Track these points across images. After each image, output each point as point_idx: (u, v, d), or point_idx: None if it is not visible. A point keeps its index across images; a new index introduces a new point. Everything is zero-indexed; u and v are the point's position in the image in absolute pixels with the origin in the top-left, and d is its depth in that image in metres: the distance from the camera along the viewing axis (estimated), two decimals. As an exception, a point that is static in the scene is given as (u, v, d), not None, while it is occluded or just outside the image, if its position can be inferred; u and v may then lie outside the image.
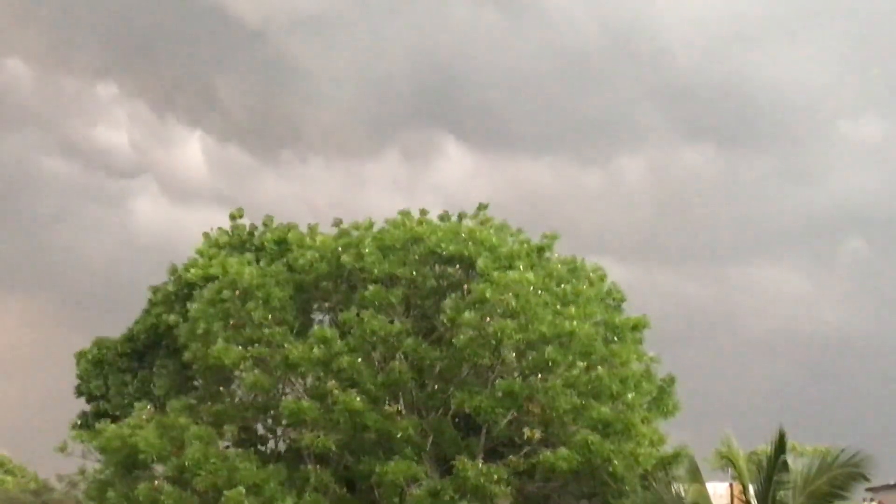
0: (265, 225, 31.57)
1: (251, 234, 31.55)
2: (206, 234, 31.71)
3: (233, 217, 31.95)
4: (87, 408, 33.04)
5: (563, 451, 23.51)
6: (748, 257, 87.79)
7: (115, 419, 30.79)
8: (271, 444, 27.57)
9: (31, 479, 49.75)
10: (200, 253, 30.77)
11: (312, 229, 29.64)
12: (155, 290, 31.46)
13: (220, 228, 31.71)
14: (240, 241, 31.34)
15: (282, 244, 29.99)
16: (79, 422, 31.90)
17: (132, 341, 32.50)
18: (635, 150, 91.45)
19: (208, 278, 28.34)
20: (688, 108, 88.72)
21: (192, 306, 27.57)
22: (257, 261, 29.14)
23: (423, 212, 28.52)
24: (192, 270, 29.65)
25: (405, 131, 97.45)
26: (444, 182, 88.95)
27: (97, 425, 28.10)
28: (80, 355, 32.70)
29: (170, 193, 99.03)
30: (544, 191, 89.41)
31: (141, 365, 32.35)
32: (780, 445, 21.97)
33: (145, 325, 31.83)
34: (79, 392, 33.01)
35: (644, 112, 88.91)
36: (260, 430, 27.43)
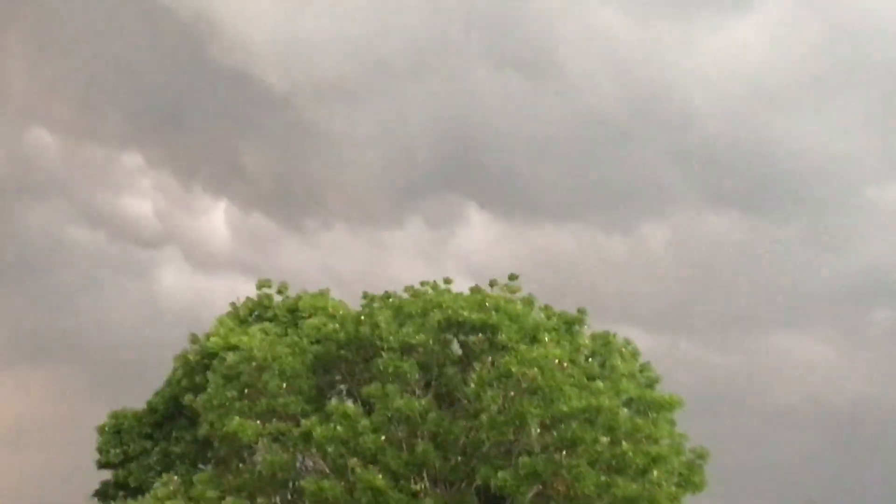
0: (279, 292, 31.78)
1: (269, 303, 31.72)
2: (232, 304, 31.93)
3: (260, 286, 32.18)
4: (109, 476, 33.09)
5: None
6: (774, 326, 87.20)
7: (135, 490, 30.78)
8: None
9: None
10: (221, 322, 30.92)
11: (322, 298, 29.66)
12: (178, 359, 31.61)
13: (247, 298, 31.93)
14: (264, 310, 31.53)
15: (294, 312, 30.12)
16: (96, 490, 31.81)
17: (153, 412, 32.65)
18: (659, 216, 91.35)
19: (229, 348, 28.44)
20: (712, 173, 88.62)
21: (210, 378, 27.66)
22: (285, 331, 29.30)
23: (448, 280, 28.56)
24: (212, 340, 29.76)
25: (428, 198, 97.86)
26: (467, 250, 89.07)
27: (119, 496, 28.12)
28: (102, 428, 32.89)
29: (194, 262, 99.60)
30: (568, 258, 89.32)
31: (161, 435, 32.43)
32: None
33: (164, 395, 32.01)
34: (99, 465, 33.09)
35: (668, 177, 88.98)
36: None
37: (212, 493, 25.13)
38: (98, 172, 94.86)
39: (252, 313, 31.48)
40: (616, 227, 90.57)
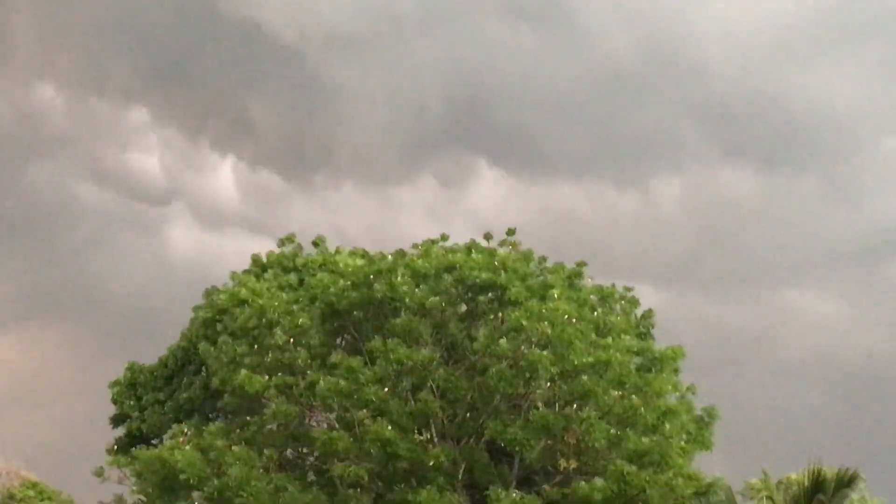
0: (315, 244, 31.92)
1: (295, 256, 31.90)
2: (253, 257, 32.19)
3: (282, 242, 32.39)
4: (123, 433, 33.49)
5: (598, 481, 23.31)
6: (785, 281, 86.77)
7: (149, 441, 31.08)
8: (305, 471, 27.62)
9: (64, 502, 50.05)
10: (234, 277, 31.12)
11: (339, 255, 29.77)
12: (195, 311, 31.90)
13: (269, 252, 32.18)
14: (285, 264, 31.72)
15: (323, 266, 30.30)
16: (115, 447, 32.21)
17: (165, 365, 33.00)
18: (672, 171, 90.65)
19: (241, 302, 28.57)
20: (726, 126, 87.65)
21: (221, 337, 27.83)
22: (300, 282, 29.41)
23: (444, 237, 28.72)
24: (223, 296, 29.93)
25: (438, 155, 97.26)
26: (478, 207, 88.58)
27: (133, 450, 28.41)
28: (114, 384, 33.25)
29: (201, 219, 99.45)
30: (579, 215, 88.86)
31: (175, 386, 32.79)
32: (815, 483, 21.82)
33: (179, 348, 32.37)
34: (114, 421, 33.48)
35: (681, 131, 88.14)
36: (290, 455, 27.54)
37: (221, 443, 25.21)
38: (104, 128, 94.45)
39: (270, 268, 31.69)
40: (628, 182, 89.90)
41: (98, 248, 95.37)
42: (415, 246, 28.40)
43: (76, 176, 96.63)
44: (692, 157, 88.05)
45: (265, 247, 33.03)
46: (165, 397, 32.37)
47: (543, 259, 29.00)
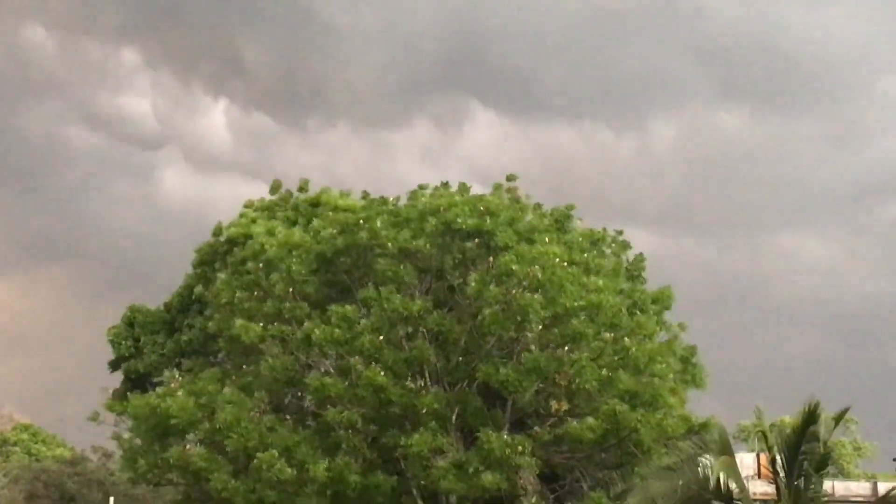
0: (301, 190, 32.08)
1: (287, 199, 31.94)
2: (251, 201, 32.46)
3: (274, 189, 32.60)
4: (120, 381, 33.70)
5: (589, 420, 23.49)
6: (780, 224, 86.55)
7: (147, 382, 31.16)
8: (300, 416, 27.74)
9: (59, 445, 50.43)
10: (242, 214, 31.43)
11: (344, 196, 29.76)
12: (200, 252, 31.99)
13: (260, 199, 32.43)
14: (284, 205, 31.99)
15: (316, 206, 30.37)
16: (114, 391, 32.36)
17: (168, 306, 33.42)
18: (669, 113, 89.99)
19: (247, 237, 28.46)
20: (724, 67, 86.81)
21: (219, 276, 27.82)
22: (293, 223, 29.50)
23: (445, 185, 28.55)
24: (231, 229, 30.18)
25: (433, 97, 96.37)
26: (472, 149, 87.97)
27: (128, 394, 28.52)
28: (111, 330, 33.44)
29: (194, 163, 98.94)
30: (574, 158, 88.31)
31: (175, 327, 32.99)
32: (810, 417, 21.82)
33: (182, 288, 32.69)
34: (112, 366, 33.65)
35: (679, 72, 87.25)
36: (287, 402, 27.61)
37: (214, 388, 25.32)
38: (96, 70, 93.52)
39: (271, 208, 31.78)
40: (625, 124, 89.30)
41: (91, 193, 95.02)
42: (410, 196, 28.21)
43: (67, 119, 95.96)
44: (690, 98, 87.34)
45: (258, 191, 33.24)
46: (164, 338, 32.56)
47: (539, 206, 28.84)
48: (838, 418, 22.47)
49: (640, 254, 29.51)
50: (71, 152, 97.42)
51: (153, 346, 32.67)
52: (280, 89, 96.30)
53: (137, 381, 32.56)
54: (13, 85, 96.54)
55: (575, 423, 23.75)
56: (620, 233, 29.05)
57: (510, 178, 28.93)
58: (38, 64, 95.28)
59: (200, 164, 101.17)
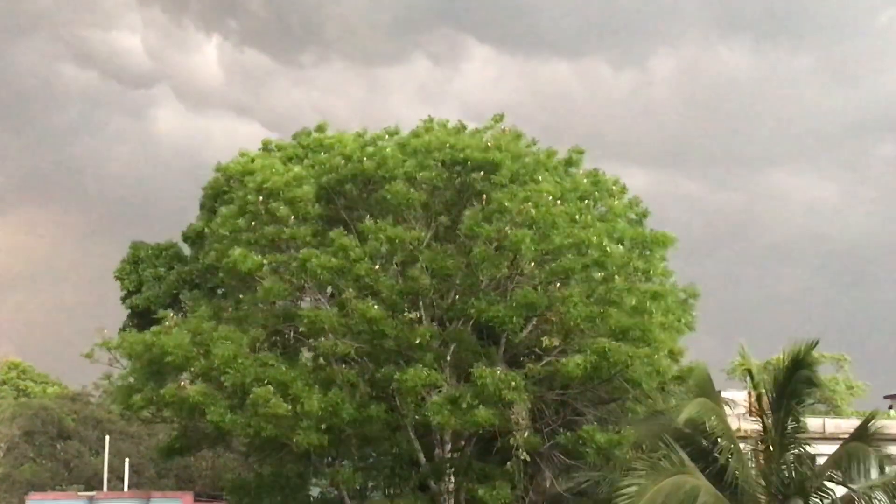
0: (318, 130, 31.92)
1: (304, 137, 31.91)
2: (265, 140, 32.32)
3: (296, 136, 32.19)
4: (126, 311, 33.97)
5: (576, 358, 23.65)
6: (775, 163, 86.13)
7: (150, 314, 31.30)
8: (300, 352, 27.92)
9: (52, 384, 50.72)
10: (243, 153, 31.19)
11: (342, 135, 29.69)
12: (206, 189, 32.01)
13: (265, 139, 32.39)
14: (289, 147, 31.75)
15: (321, 146, 30.36)
16: (104, 329, 32.56)
17: (172, 244, 33.79)
18: (669, 47, 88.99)
19: (248, 173, 28.50)
20: (725, 0, 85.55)
21: (221, 210, 27.84)
22: (302, 159, 29.50)
23: (442, 123, 28.44)
24: (232, 166, 30.19)
25: (428, 32, 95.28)
26: (469, 87, 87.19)
27: (122, 332, 28.68)
28: (120, 270, 33.68)
29: (186, 101, 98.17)
30: (572, 95, 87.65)
31: (180, 264, 33.22)
32: (798, 356, 21.94)
33: (189, 227, 32.71)
34: (124, 301, 33.92)
35: (679, 6, 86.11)
36: (284, 337, 27.74)
37: (208, 325, 25.36)
38: (86, 6, 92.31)
39: (276, 151, 31.74)
40: (625, 60, 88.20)
41: (85, 132, 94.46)
42: (412, 136, 28.11)
43: (58, 56, 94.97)
44: (690, 31, 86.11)
45: (252, 129, 33.14)
46: (165, 273, 32.73)
47: (534, 142, 28.85)
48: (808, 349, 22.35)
49: (636, 196, 29.45)
50: (63, 90, 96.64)
51: (154, 280, 32.89)
52: (273, 24, 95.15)
53: (142, 317, 32.69)
54: (2, 22, 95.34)
55: (564, 360, 23.90)
56: (617, 181, 28.90)
57: (497, 120, 28.57)
58: (27, 0, 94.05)
59: (193, 102, 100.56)
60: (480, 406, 23.47)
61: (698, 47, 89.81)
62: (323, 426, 24.22)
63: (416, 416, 24.68)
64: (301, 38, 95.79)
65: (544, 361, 24.80)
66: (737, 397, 26.72)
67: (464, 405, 23.54)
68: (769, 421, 22.26)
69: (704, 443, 22.60)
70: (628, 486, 20.00)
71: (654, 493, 19.78)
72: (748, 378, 24.03)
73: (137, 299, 33.25)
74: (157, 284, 33.04)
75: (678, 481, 20.36)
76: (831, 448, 22.97)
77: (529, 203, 24.20)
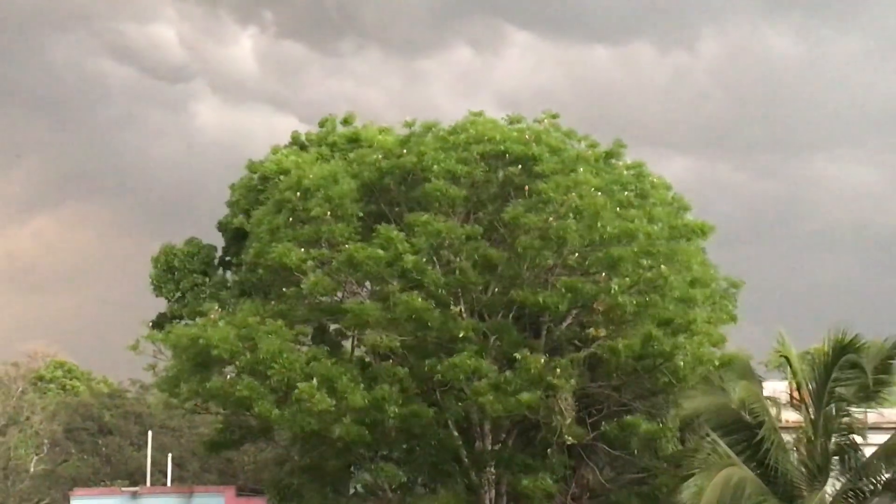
0: (345, 122, 31.93)
1: (329, 132, 31.90)
2: (294, 133, 32.44)
3: (321, 124, 32.36)
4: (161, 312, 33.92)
5: (621, 341, 23.67)
6: (819, 148, 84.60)
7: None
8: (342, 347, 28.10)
9: (96, 381, 51.18)
10: (276, 150, 31.28)
11: (385, 131, 29.76)
12: (234, 188, 32.08)
13: (307, 132, 32.41)
14: (324, 139, 31.76)
15: (354, 141, 30.28)
16: (150, 323, 32.66)
17: (196, 244, 33.26)
18: (713, 30, 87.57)
19: (282, 172, 28.59)
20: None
21: (259, 207, 27.96)
22: (331, 159, 29.46)
23: (477, 113, 28.41)
24: (267, 164, 30.18)
25: (468, 21, 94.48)
26: (507, 75, 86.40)
27: (168, 325, 28.83)
28: (156, 260, 33.50)
29: (223, 94, 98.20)
30: (612, 80, 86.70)
31: (218, 264, 33.22)
32: (841, 343, 21.90)
33: (225, 224, 32.64)
34: (157, 293, 33.85)
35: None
36: (328, 332, 27.93)
37: (253, 320, 25.56)
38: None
39: (308, 144, 31.76)
40: (669, 43, 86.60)
41: (127, 127, 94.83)
42: (453, 131, 28.15)
43: (94, 51, 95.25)
44: (738, 13, 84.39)
45: (288, 122, 33.15)
46: (202, 279, 32.63)
47: (574, 132, 28.77)
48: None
49: (679, 194, 29.32)
50: (103, 85, 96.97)
51: (194, 287, 32.68)
52: (310, 14, 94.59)
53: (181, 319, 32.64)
54: (38, 17, 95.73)
55: (609, 343, 23.96)
56: (659, 178, 28.76)
57: (553, 117, 28.58)
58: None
59: (229, 95, 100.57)
60: (524, 391, 23.51)
61: (744, 28, 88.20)
62: (367, 420, 24.30)
63: (459, 403, 24.67)
64: (338, 26, 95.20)
65: (585, 352, 24.84)
66: (776, 388, 26.71)
67: (507, 391, 23.60)
68: (810, 410, 22.25)
69: (747, 431, 22.68)
70: (688, 486, 20.15)
71: (711, 491, 19.94)
72: (787, 367, 24.05)
73: (181, 308, 32.90)
74: (199, 291, 32.76)
75: (728, 474, 20.55)
76: (876, 437, 22.96)
77: (573, 193, 24.23)
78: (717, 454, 21.66)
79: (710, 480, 20.41)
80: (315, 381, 23.93)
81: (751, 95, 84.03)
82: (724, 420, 23.06)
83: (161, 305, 33.74)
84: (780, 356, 24.48)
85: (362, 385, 24.29)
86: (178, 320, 30.74)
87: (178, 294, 32.66)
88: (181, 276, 32.84)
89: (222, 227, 32.63)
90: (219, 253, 33.25)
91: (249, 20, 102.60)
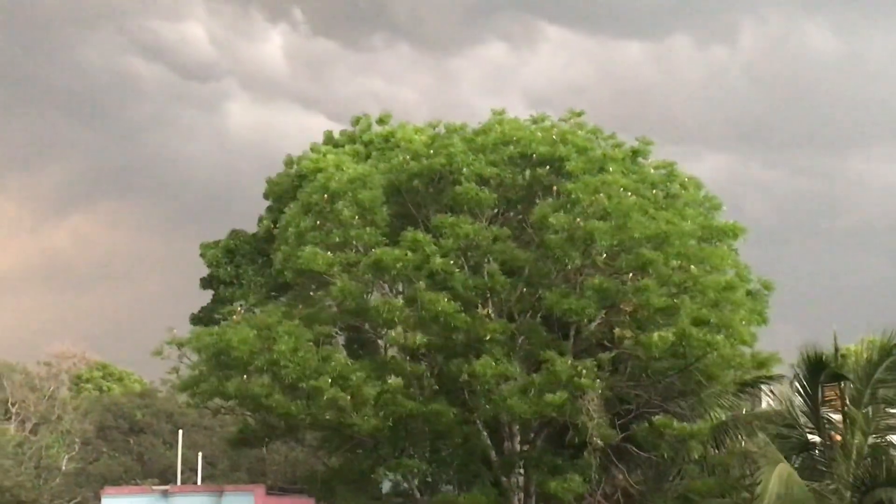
0: (381, 122, 31.89)
1: (364, 131, 31.80)
2: (327, 133, 32.54)
3: (356, 122, 32.46)
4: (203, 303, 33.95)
5: (654, 335, 23.33)
6: (853, 146, 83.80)
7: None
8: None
9: (133, 382, 51.41)
10: (314, 148, 31.36)
11: (420, 131, 29.53)
12: (271, 183, 31.92)
13: (342, 131, 32.47)
14: (357, 138, 31.86)
15: (389, 140, 30.14)
16: (193, 315, 32.68)
17: (255, 237, 33.66)
18: (753, 24, 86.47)
19: (318, 170, 28.44)
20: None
21: (288, 209, 27.87)
22: (366, 157, 29.55)
23: (499, 112, 28.21)
24: (303, 163, 30.16)
25: (501, 16, 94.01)
26: (539, 72, 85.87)
27: (191, 328, 28.83)
28: (206, 247, 33.54)
29: (253, 92, 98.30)
30: (647, 77, 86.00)
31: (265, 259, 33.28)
32: (888, 346, 21.42)
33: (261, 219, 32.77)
34: (204, 284, 33.93)
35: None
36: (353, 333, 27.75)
37: (273, 320, 25.50)
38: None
39: (340, 145, 31.62)
40: (711, 36, 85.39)
41: (159, 126, 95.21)
42: (480, 132, 27.81)
43: (125, 49, 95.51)
44: (775, 11, 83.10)
45: (318, 120, 33.15)
46: (259, 270, 32.75)
47: (599, 130, 28.46)
48: None
49: (711, 194, 28.81)
50: (134, 84, 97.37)
51: (252, 275, 32.70)
52: (340, 10, 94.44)
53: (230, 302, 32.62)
54: (66, 16, 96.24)
55: (643, 337, 23.62)
56: (690, 177, 28.27)
57: (574, 115, 28.55)
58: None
59: (259, 93, 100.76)
60: (551, 393, 23.27)
61: (782, 20, 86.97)
62: (382, 413, 24.25)
63: (487, 405, 24.44)
64: (369, 22, 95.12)
65: (613, 354, 24.47)
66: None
67: (534, 392, 23.41)
68: (852, 411, 21.75)
69: (786, 431, 22.28)
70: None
71: (773, 488, 19.66)
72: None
73: (235, 292, 32.87)
74: (256, 280, 32.68)
75: (780, 471, 20.20)
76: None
77: (601, 194, 23.98)
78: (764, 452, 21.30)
79: (771, 474, 20.10)
80: (328, 378, 23.94)
81: (786, 91, 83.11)
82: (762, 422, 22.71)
83: (205, 299, 33.85)
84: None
85: (376, 381, 24.28)
86: (229, 304, 30.86)
87: (234, 279, 32.80)
88: (242, 261, 33.02)
89: (263, 227, 32.64)
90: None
91: (279, 17, 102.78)
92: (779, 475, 19.91)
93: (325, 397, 23.71)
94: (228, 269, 33.33)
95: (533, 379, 23.77)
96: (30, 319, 74.07)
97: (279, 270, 28.15)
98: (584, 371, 23.32)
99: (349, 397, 23.78)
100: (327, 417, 24.30)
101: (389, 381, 24.23)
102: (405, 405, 24.16)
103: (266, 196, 32.63)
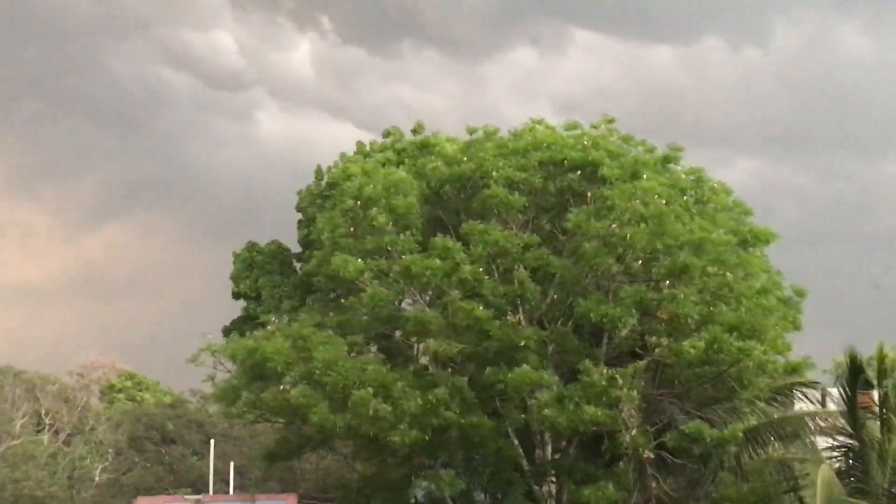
0: (415, 132, 32.01)
1: (397, 140, 31.92)
2: (359, 143, 32.65)
3: (386, 134, 32.57)
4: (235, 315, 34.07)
5: (686, 343, 23.20)
6: (889, 149, 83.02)
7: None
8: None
9: (163, 393, 51.68)
10: (344, 157, 31.53)
11: (452, 141, 29.60)
12: (302, 195, 32.16)
13: (372, 141, 32.71)
14: (382, 149, 32.01)
15: (423, 148, 30.26)
16: (226, 327, 32.78)
17: (280, 247, 33.81)
18: (787, 25, 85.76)
19: (349, 177, 28.52)
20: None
21: (322, 214, 27.98)
22: (398, 164, 29.61)
23: (538, 120, 28.19)
24: (334, 172, 30.35)
25: (530, 21, 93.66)
26: (570, 77, 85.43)
27: (228, 336, 28.95)
28: (237, 256, 33.74)
29: (282, 101, 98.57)
30: (678, 81, 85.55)
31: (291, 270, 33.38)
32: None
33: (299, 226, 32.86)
34: (235, 295, 34.16)
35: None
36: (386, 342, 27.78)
37: (308, 330, 25.51)
38: (179, 7, 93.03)
39: (372, 154, 31.76)
40: (744, 38, 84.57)
41: (191, 136, 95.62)
42: (513, 135, 27.80)
43: (154, 59, 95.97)
44: (808, 5, 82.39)
45: (346, 128, 33.34)
46: (280, 281, 32.76)
47: (631, 137, 28.41)
48: None
49: (740, 199, 28.71)
50: (164, 94, 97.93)
51: (272, 289, 32.84)
52: (369, 16, 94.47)
53: (256, 319, 32.82)
54: (97, 26, 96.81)
55: (675, 344, 23.48)
56: (720, 183, 28.21)
57: (608, 121, 28.33)
58: (120, 2, 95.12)
59: (288, 102, 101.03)
60: (588, 404, 23.11)
61: (816, 21, 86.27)
62: (422, 425, 24.07)
63: (523, 415, 24.29)
64: (397, 28, 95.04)
65: (649, 359, 24.36)
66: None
67: (571, 405, 23.20)
68: (890, 416, 21.68)
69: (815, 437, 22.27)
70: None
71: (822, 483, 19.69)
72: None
73: (257, 309, 33.01)
74: (276, 293, 32.82)
75: (823, 472, 20.23)
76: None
77: (637, 201, 23.88)
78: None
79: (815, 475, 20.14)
80: (370, 388, 23.79)
81: (819, 94, 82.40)
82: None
83: (236, 310, 34.02)
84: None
85: (417, 392, 24.09)
86: (254, 321, 30.95)
87: (256, 293, 32.95)
88: (259, 273, 33.12)
89: (301, 235, 32.81)
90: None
91: (307, 25, 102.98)
92: (822, 477, 19.91)
93: (369, 410, 23.49)
94: (248, 282, 33.45)
95: (569, 390, 23.60)
96: (63, 329, 74.66)
97: (308, 273, 28.22)
98: (621, 381, 23.13)
99: (390, 408, 23.62)
100: (369, 432, 24.17)
101: (433, 392, 24.00)
102: (447, 417, 23.99)
103: (298, 208, 32.82)
